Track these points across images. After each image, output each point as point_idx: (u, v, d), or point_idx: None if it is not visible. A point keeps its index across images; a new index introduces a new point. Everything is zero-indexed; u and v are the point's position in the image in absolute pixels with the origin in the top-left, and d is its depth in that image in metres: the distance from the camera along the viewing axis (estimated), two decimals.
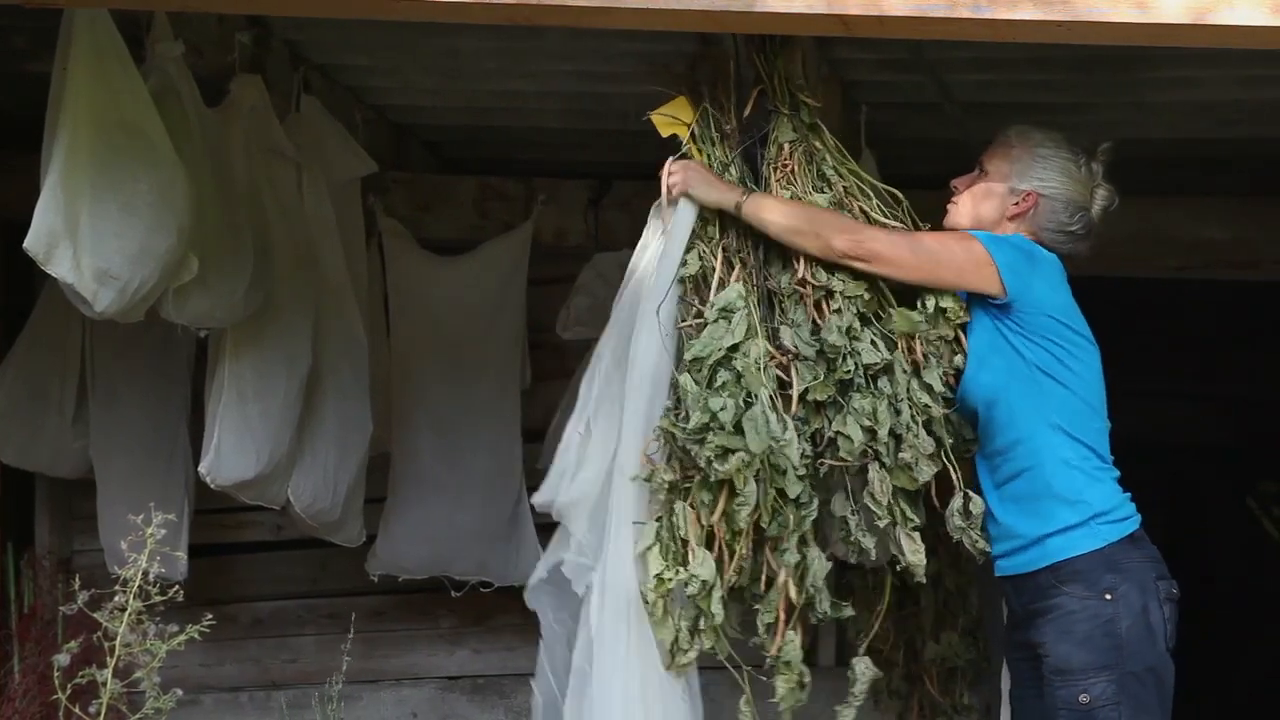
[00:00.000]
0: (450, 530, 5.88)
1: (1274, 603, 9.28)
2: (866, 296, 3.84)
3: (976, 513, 3.86)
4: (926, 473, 3.80)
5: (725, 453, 3.69)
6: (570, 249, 5.92)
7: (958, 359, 3.91)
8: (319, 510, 5.14)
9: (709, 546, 3.76)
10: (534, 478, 5.68)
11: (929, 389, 3.84)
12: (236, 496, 4.95)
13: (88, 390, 5.53)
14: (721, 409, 3.69)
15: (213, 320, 4.54)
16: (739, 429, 3.69)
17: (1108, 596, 3.78)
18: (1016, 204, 3.98)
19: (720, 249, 3.87)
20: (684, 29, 3.72)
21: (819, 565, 3.80)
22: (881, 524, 3.80)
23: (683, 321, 3.85)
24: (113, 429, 5.53)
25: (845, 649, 6.18)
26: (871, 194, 3.97)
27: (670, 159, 3.96)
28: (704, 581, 3.72)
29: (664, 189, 3.94)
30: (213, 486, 4.83)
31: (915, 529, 3.81)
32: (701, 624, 3.77)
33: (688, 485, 3.76)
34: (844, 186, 3.95)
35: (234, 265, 4.48)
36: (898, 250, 3.85)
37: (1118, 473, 3.93)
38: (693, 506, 3.74)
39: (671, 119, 3.98)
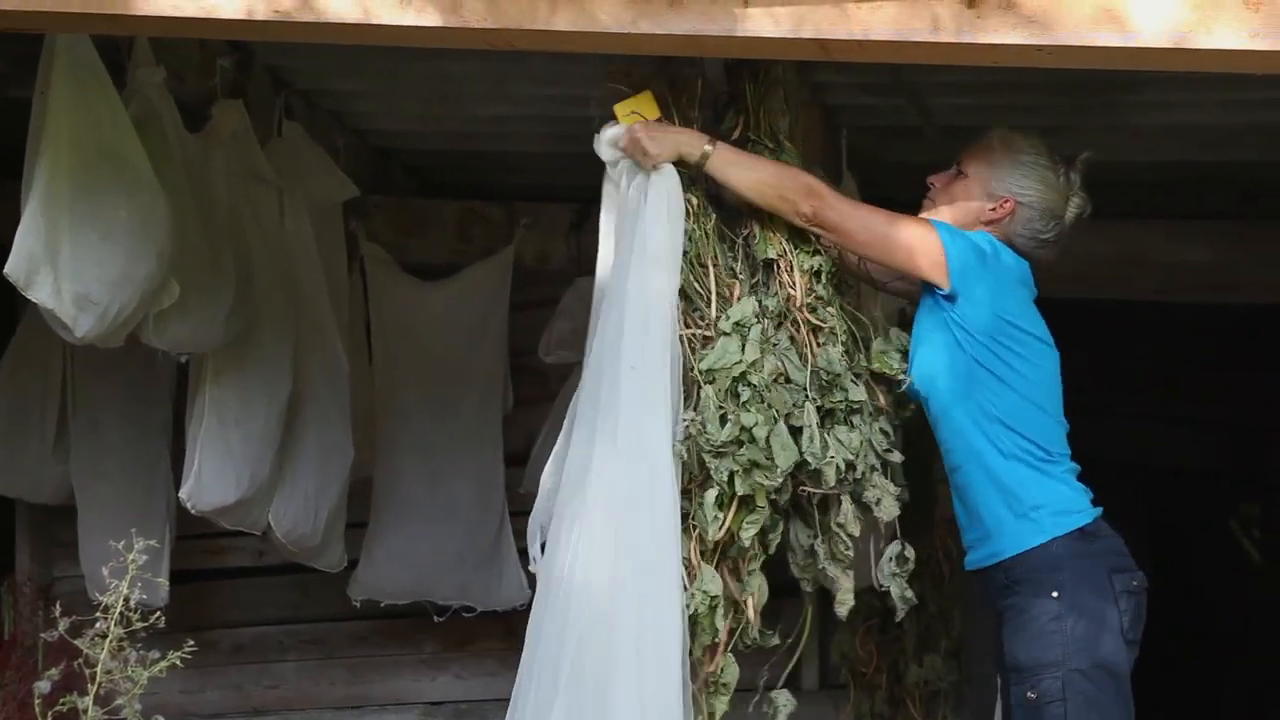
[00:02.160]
0: (433, 555, 5.86)
1: (1259, 622, 9.32)
2: (842, 336, 3.83)
3: (910, 559, 3.86)
4: (891, 511, 3.79)
5: (752, 467, 3.67)
6: (552, 273, 5.91)
7: (905, 413, 3.94)
8: (300, 535, 5.12)
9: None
10: (516, 502, 5.70)
11: (887, 434, 3.85)
12: (217, 522, 4.94)
13: (68, 416, 5.51)
14: (755, 424, 3.66)
15: (193, 345, 4.53)
16: (769, 445, 3.67)
17: (1054, 594, 3.76)
18: (993, 209, 3.96)
19: (711, 264, 3.82)
20: (667, 53, 3.72)
21: (763, 591, 3.78)
22: (849, 556, 3.78)
23: (685, 328, 3.79)
24: (93, 454, 5.51)
25: (828, 673, 6.18)
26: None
27: (610, 129, 3.88)
28: (713, 596, 3.68)
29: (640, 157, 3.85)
30: (193, 512, 4.82)
31: (848, 568, 3.81)
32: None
33: (685, 506, 3.70)
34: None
35: (215, 290, 4.47)
36: (850, 224, 3.84)
37: (1074, 467, 3.89)
38: (693, 523, 3.71)
39: (634, 113, 3.91)
